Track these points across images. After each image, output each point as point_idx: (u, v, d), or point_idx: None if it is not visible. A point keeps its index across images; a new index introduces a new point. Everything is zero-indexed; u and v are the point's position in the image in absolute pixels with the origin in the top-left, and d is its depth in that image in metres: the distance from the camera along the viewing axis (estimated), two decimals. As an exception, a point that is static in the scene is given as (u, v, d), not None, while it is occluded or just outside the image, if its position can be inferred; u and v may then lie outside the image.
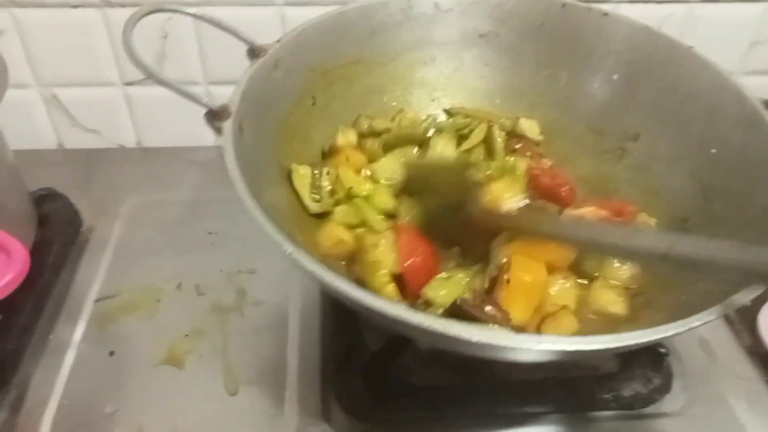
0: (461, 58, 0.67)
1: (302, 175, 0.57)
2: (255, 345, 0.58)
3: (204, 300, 0.62)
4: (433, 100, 0.68)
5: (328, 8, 0.60)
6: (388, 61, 0.65)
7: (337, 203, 0.58)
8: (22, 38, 0.71)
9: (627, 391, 0.54)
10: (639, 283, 0.53)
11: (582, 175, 0.64)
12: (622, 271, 0.53)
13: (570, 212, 0.58)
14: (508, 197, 0.58)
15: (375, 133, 0.63)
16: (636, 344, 0.36)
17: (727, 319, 0.62)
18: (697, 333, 0.61)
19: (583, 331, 0.50)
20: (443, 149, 0.63)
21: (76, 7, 0.70)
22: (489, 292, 0.51)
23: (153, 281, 0.63)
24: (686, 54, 0.59)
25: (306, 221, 0.56)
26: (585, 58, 0.65)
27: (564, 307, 0.50)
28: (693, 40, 0.60)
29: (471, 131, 0.64)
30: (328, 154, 0.62)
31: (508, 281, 0.50)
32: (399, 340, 0.54)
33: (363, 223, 0.57)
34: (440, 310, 0.50)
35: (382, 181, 0.61)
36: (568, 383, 0.55)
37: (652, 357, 0.55)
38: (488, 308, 0.49)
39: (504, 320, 0.48)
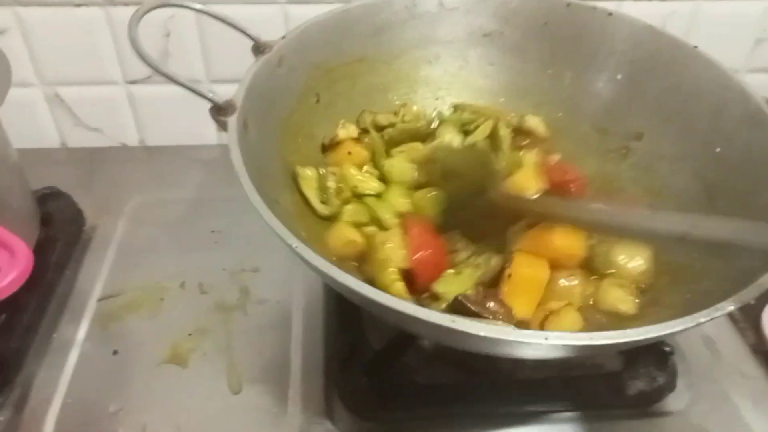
0: (466, 56, 0.67)
1: (309, 177, 0.57)
2: (258, 343, 0.58)
3: (207, 299, 0.62)
4: (437, 99, 0.68)
5: (330, 6, 0.60)
6: (392, 60, 0.65)
7: (345, 202, 0.58)
8: (25, 37, 0.71)
9: (631, 389, 0.54)
10: (651, 279, 0.53)
11: (586, 174, 0.64)
12: (634, 267, 0.52)
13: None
14: (529, 189, 0.58)
15: (378, 128, 0.63)
16: (643, 340, 0.36)
17: (732, 317, 0.62)
18: (701, 331, 0.60)
19: (589, 329, 0.50)
20: (450, 140, 0.63)
21: (79, 5, 0.70)
22: (492, 288, 0.51)
23: (156, 280, 0.63)
24: (690, 53, 0.59)
25: (309, 219, 0.56)
26: (589, 57, 0.65)
27: (568, 305, 0.49)
28: (697, 37, 0.60)
29: (476, 127, 0.64)
30: (329, 147, 0.61)
31: (509, 276, 0.50)
32: (403, 338, 0.54)
33: (373, 221, 0.57)
34: (443, 305, 0.50)
35: (395, 180, 0.60)
36: (572, 382, 0.55)
37: (657, 355, 0.55)
38: (490, 304, 0.48)
39: (507, 315, 0.48)
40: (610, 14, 0.63)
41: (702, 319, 0.37)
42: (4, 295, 0.40)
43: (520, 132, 0.66)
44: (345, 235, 0.55)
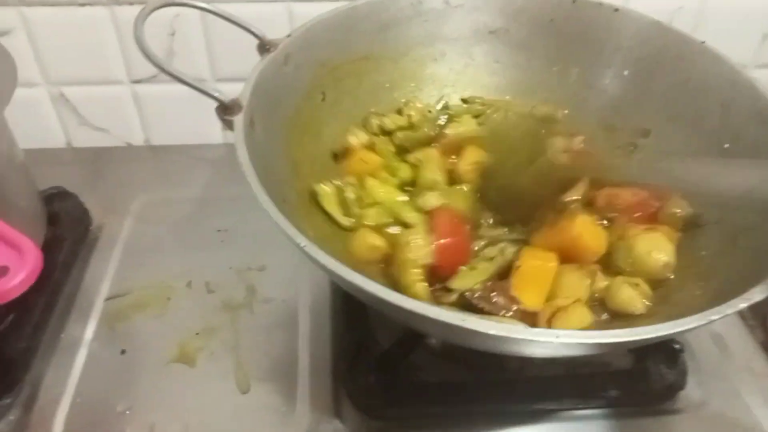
0: (471, 54, 0.67)
1: (328, 193, 0.57)
2: (266, 342, 0.58)
3: (214, 298, 0.62)
4: (442, 97, 0.68)
5: (335, 3, 0.60)
6: (398, 57, 0.65)
7: (367, 207, 0.57)
8: (30, 37, 0.71)
9: (641, 387, 0.54)
10: (672, 272, 0.52)
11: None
12: (656, 260, 0.51)
13: (608, 192, 0.57)
14: None
15: (386, 132, 0.63)
16: (654, 338, 0.36)
17: (740, 314, 0.61)
18: (710, 329, 0.60)
19: (599, 326, 0.49)
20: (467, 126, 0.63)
21: (83, 5, 0.70)
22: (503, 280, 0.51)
23: (163, 279, 0.63)
24: (698, 49, 0.59)
25: (317, 218, 0.56)
26: (596, 53, 0.65)
27: (577, 301, 0.49)
28: (704, 32, 0.60)
29: (488, 118, 0.64)
30: (341, 156, 0.61)
31: (518, 267, 0.50)
32: (410, 337, 0.54)
33: (396, 221, 0.57)
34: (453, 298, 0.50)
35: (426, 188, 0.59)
36: (581, 380, 0.54)
37: (667, 353, 0.55)
38: (496, 299, 0.48)
39: (511, 305, 0.48)
40: (617, 10, 0.63)
41: (714, 317, 0.37)
42: (14, 294, 0.40)
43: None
44: (368, 241, 0.54)
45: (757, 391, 0.56)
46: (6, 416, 0.52)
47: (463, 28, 0.66)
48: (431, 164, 0.59)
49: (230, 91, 0.49)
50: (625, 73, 0.64)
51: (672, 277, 0.52)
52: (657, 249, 0.52)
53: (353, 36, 0.61)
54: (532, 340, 0.36)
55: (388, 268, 0.54)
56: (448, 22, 0.65)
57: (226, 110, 0.48)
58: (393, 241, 0.54)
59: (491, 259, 0.52)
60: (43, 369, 0.55)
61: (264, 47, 0.54)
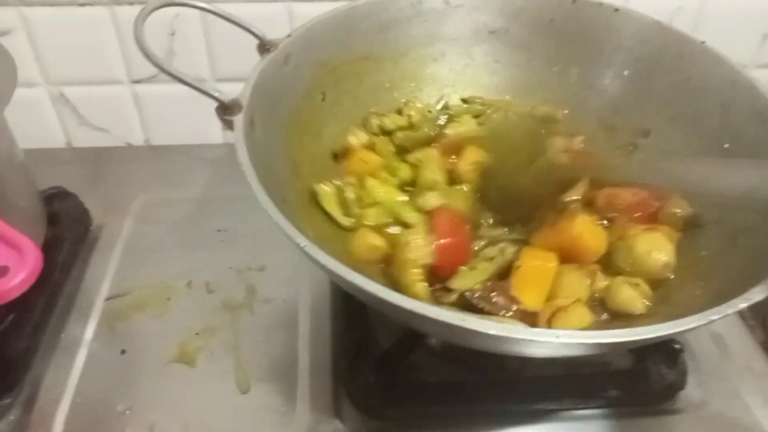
0: (471, 54, 0.67)
1: (328, 193, 0.57)
2: (266, 342, 0.58)
3: (214, 298, 0.62)
4: (442, 97, 0.68)
5: (334, 3, 0.60)
6: (398, 57, 0.65)
7: (367, 207, 0.57)
8: (30, 37, 0.71)
9: (641, 387, 0.54)
10: (672, 273, 0.52)
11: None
12: (656, 260, 0.51)
13: (608, 192, 0.57)
14: None
15: (386, 132, 0.63)
16: (655, 338, 0.36)
17: (740, 314, 0.61)
18: (710, 329, 0.60)
19: (598, 326, 0.49)
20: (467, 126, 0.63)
21: (83, 5, 0.70)
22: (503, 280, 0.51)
23: (163, 279, 0.63)
24: (698, 49, 0.59)
25: (317, 218, 0.56)
26: (596, 53, 0.65)
27: (577, 301, 0.49)
28: (704, 32, 0.60)
29: (487, 118, 0.64)
30: (341, 156, 0.61)
31: (518, 267, 0.50)
32: (411, 337, 0.54)
33: (396, 221, 0.57)
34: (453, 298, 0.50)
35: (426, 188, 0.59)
36: (581, 380, 0.54)
37: (667, 353, 0.55)
38: (496, 299, 0.48)
39: (511, 305, 0.48)
40: (617, 10, 0.63)
41: (714, 317, 0.37)
42: (14, 294, 0.40)
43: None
44: (368, 241, 0.54)
45: (757, 391, 0.56)
46: (6, 416, 0.52)
47: (463, 28, 0.66)
48: (431, 164, 0.59)
49: (230, 91, 0.49)
50: (625, 73, 0.64)
51: (672, 277, 0.52)
52: (657, 249, 0.52)
53: (353, 36, 0.61)
54: (532, 340, 0.36)
55: (388, 268, 0.54)
56: (448, 22, 0.65)
57: (226, 110, 0.48)
58: (393, 241, 0.54)
59: (491, 259, 0.52)
60: (43, 369, 0.55)
61: (264, 47, 0.54)
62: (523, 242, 0.54)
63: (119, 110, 0.78)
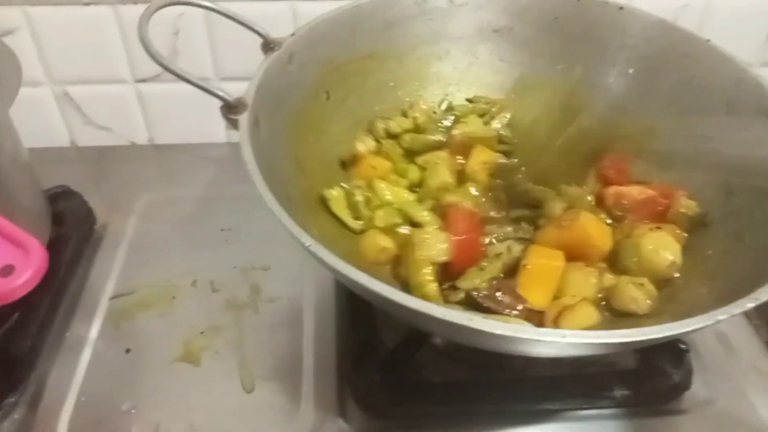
0: (476, 52, 0.67)
1: (336, 197, 0.57)
2: (270, 342, 0.58)
3: (218, 297, 0.62)
4: (447, 95, 0.68)
5: (339, 2, 0.60)
6: (402, 56, 0.65)
7: (376, 209, 0.57)
8: (34, 36, 0.71)
9: (646, 387, 0.54)
10: (678, 273, 0.52)
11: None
12: (662, 260, 0.51)
13: (615, 190, 0.57)
14: None
15: (392, 136, 0.63)
16: (662, 338, 0.36)
17: (746, 314, 0.61)
18: (715, 328, 0.60)
19: (603, 325, 0.49)
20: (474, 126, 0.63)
21: (87, 4, 0.70)
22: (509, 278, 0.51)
23: (167, 278, 0.63)
24: (703, 47, 0.59)
25: (322, 218, 0.56)
26: (600, 52, 0.65)
27: (583, 299, 0.49)
28: (710, 30, 0.59)
29: (492, 117, 0.64)
30: (350, 163, 0.61)
31: (525, 266, 0.50)
32: (416, 337, 0.54)
33: (405, 220, 0.57)
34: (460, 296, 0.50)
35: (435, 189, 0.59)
36: (586, 379, 0.54)
37: (672, 353, 0.54)
38: (502, 297, 0.48)
39: (517, 303, 0.48)
40: (621, 8, 0.63)
41: (721, 317, 0.37)
42: (20, 293, 0.40)
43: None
44: (377, 243, 0.54)
45: (762, 391, 0.55)
46: (11, 415, 0.52)
47: (467, 27, 0.66)
48: (441, 165, 0.59)
49: (233, 90, 0.49)
50: (630, 71, 0.64)
51: (678, 276, 0.52)
52: (663, 248, 0.51)
53: (358, 34, 0.61)
54: (538, 340, 0.36)
55: (397, 269, 0.54)
56: (452, 20, 0.65)
57: (230, 109, 0.48)
58: (403, 242, 0.54)
59: (498, 255, 0.52)
60: (48, 368, 0.55)
61: (268, 46, 0.54)
62: (529, 241, 0.54)
63: (123, 109, 0.78)
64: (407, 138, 0.62)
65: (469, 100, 0.67)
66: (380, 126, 0.63)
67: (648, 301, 0.50)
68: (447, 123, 0.62)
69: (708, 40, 0.58)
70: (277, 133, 0.53)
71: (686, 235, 0.54)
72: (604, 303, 0.51)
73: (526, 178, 0.59)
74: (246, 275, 0.64)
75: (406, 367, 0.54)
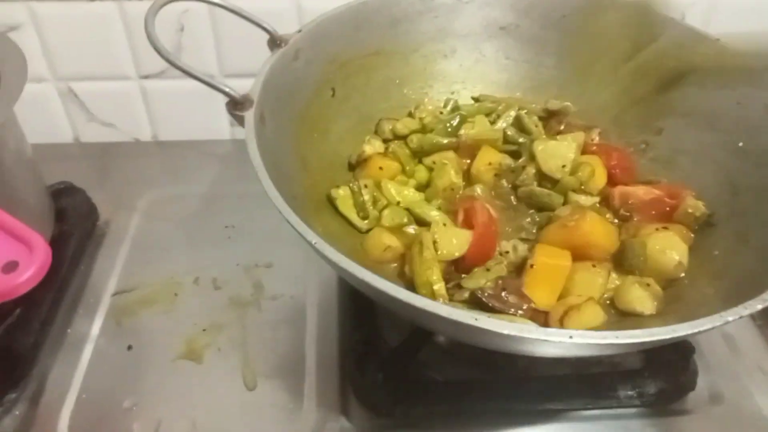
0: (482, 50, 0.67)
1: (343, 196, 0.56)
2: (273, 339, 0.58)
3: (221, 294, 0.62)
4: (452, 93, 0.68)
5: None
6: (408, 53, 0.64)
7: (382, 208, 0.57)
8: (39, 32, 0.71)
9: (651, 387, 0.53)
10: (684, 273, 0.51)
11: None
12: (669, 260, 0.51)
13: (622, 190, 0.57)
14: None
15: (399, 137, 0.63)
16: (670, 339, 0.35)
17: (751, 314, 0.60)
18: (720, 329, 0.59)
19: (609, 325, 0.49)
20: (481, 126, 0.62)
21: (92, 0, 0.70)
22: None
23: (170, 275, 0.63)
24: (712, 46, 0.58)
25: (327, 215, 0.56)
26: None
27: (590, 299, 0.49)
28: (716, 28, 0.59)
29: (498, 116, 0.63)
30: (358, 165, 0.61)
31: (531, 266, 0.50)
32: (419, 335, 0.54)
33: (415, 219, 0.56)
34: (465, 295, 0.49)
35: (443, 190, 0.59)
36: (590, 379, 0.54)
37: (678, 353, 0.54)
38: (507, 296, 0.48)
39: (522, 303, 0.48)
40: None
41: (730, 318, 0.36)
42: (24, 289, 0.40)
43: (550, 117, 0.65)
44: (383, 241, 0.54)
45: (767, 391, 0.55)
46: (12, 411, 0.52)
47: (473, 24, 0.65)
48: (448, 166, 0.59)
49: (237, 87, 0.48)
50: (638, 69, 0.63)
51: (684, 276, 0.51)
52: (670, 248, 0.51)
53: (363, 31, 0.61)
54: (545, 340, 0.35)
55: (403, 268, 0.53)
56: (458, 17, 0.64)
57: (236, 106, 0.47)
58: (410, 240, 0.54)
59: (504, 254, 0.52)
60: (50, 364, 0.55)
61: (275, 42, 0.53)
62: (535, 241, 0.53)
63: (127, 106, 0.78)
64: (414, 139, 0.62)
65: (475, 99, 0.67)
66: (387, 127, 0.63)
67: (654, 301, 0.49)
68: (454, 123, 0.61)
69: (718, 39, 0.58)
70: (282, 131, 0.53)
71: (693, 235, 0.54)
72: (609, 303, 0.51)
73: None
74: (249, 273, 0.64)
75: (408, 366, 0.54)
